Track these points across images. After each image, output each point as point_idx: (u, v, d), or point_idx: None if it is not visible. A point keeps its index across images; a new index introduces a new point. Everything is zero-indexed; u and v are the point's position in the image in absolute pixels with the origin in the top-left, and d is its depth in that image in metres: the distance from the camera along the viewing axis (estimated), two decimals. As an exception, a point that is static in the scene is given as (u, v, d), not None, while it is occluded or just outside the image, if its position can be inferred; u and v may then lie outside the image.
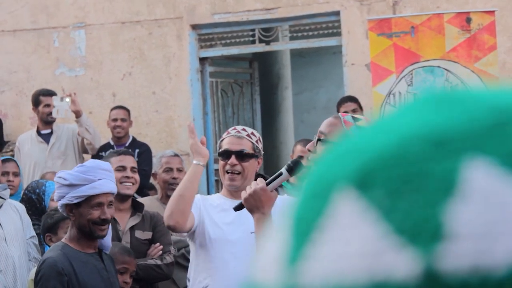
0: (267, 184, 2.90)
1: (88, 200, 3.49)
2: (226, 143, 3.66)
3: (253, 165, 3.66)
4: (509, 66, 6.80)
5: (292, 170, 2.88)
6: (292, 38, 7.54)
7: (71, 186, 3.48)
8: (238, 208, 3.04)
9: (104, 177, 3.53)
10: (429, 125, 0.51)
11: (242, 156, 3.60)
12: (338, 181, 0.51)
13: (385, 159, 0.50)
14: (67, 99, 6.66)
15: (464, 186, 0.49)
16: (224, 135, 3.75)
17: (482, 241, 0.48)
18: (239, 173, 3.60)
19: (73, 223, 3.56)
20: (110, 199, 3.58)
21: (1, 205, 4.51)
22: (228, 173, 3.61)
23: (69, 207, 3.51)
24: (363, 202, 0.50)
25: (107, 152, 5.19)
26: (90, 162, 3.67)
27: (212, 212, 3.65)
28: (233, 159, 3.59)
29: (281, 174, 2.89)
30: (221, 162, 3.66)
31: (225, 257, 3.56)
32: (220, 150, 3.67)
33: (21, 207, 4.69)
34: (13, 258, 4.40)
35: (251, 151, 3.64)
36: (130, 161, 4.72)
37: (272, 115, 9.08)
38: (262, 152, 3.75)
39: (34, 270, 4.10)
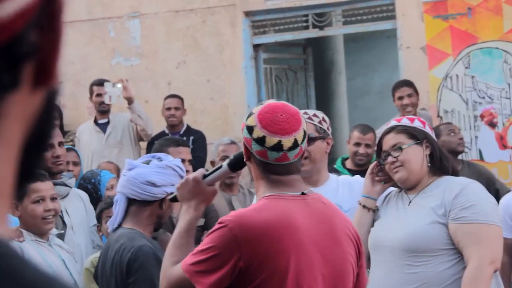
0: (205, 177, 2.60)
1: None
2: None
3: (321, 147, 3.56)
4: None
5: (233, 165, 2.56)
6: (345, 23, 7.48)
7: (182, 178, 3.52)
8: (172, 199, 2.79)
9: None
10: None
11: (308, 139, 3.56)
12: None
13: None
14: (119, 85, 6.74)
15: None
16: None
17: None
18: (306, 158, 3.55)
19: (155, 211, 3.50)
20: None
21: (68, 194, 4.58)
22: None
23: (162, 200, 3.48)
24: None
25: (161, 139, 5.14)
26: (164, 155, 3.61)
27: None
28: None
29: (220, 167, 2.60)
30: None
31: None
32: None
33: (85, 196, 4.76)
34: (80, 246, 4.48)
35: (314, 134, 3.58)
36: (188, 154, 4.71)
37: (326, 101, 9.04)
38: (330, 131, 3.61)
39: (89, 258, 4.16)
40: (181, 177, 3.48)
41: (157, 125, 7.12)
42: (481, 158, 6.16)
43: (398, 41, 7.14)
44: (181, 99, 7.14)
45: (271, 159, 2.39)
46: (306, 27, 7.57)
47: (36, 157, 0.68)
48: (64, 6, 0.65)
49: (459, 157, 5.91)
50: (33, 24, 0.65)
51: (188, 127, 7.14)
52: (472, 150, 6.16)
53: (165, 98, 7.15)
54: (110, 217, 4.06)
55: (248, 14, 7.56)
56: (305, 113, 3.68)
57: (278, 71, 7.94)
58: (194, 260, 2.40)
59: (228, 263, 2.31)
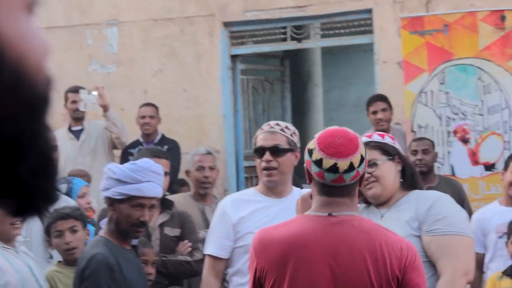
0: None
1: (131, 199, 3.41)
2: (260, 140, 3.62)
3: (290, 159, 3.62)
4: (544, 65, 6.71)
5: None
6: (323, 36, 7.52)
7: (118, 181, 3.42)
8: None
9: (153, 180, 3.46)
10: None
11: (276, 151, 3.57)
12: None
13: None
14: (94, 93, 6.72)
15: None
16: (258, 132, 3.71)
17: None
18: (275, 169, 3.56)
19: (112, 217, 3.50)
20: (153, 202, 3.49)
21: (58, 199, 4.51)
22: (264, 170, 3.58)
23: (111, 200, 3.45)
24: None
25: (139, 149, 5.17)
26: (142, 161, 3.56)
27: (251, 216, 3.61)
28: (267, 156, 3.56)
29: None
30: (257, 160, 3.63)
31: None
32: (255, 147, 3.63)
33: (73, 203, 4.70)
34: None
35: (285, 146, 3.61)
36: (166, 166, 4.66)
37: (302, 113, 9.07)
38: (299, 145, 3.68)
39: (49, 269, 4.07)
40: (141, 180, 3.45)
41: (133, 133, 7.10)
42: (453, 174, 6.21)
43: (375, 55, 7.19)
44: (156, 107, 7.13)
45: (328, 181, 2.54)
46: (284, 39, 7.60)
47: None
48: None
49: (436, 172, 5.96)
50: None
51: (163, 136, 7.13)
52: (445, 166, 6.20)
53: (140, 106, 7.14)
54: (58, 231, 4.02)
55: (226, 24, 7.57)
56: (278, 124, 3.70)
57: (255, 82, 7.96)
58: None
59: (252, 270, 2.62)
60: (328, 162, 2.52)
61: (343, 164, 2.52)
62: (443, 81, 6.32)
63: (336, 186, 2.54)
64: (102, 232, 3.61)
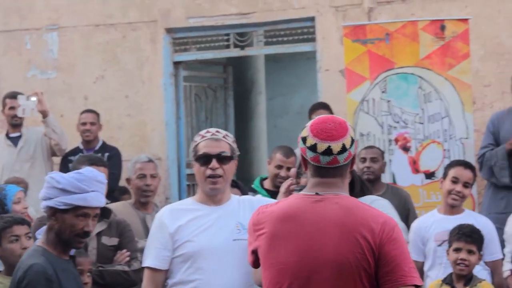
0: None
1: (76, 209, 3.33)
2: (204, 147, 3.56)
3: (232, 167, 3.61)
4: (482, 74, 6.82)
5: None
6: (267, 43, 7.52)
7: (63, 190, 3.34)
8: None
9: (97, 190, 3.39)
10: None
11: (222, 159, 3.55)
12: None
13: None
14: (33, 98, 6.60)
15: None
16: (198, 139, 3.64)
17: None
18: (220, 176, 3.53)
19: (52, 227, 3.42)
20: (97, 212, 3.45)
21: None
22: (210, 177, 3.54)
23: (53, 210, 3.37)
24: None
25: (78, 156, 5.08)
26: (87, 170, 3.51)
27: (188, 224, 3.56)
28: (214, 163, 3.52)
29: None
30: (201, 168, 3.56)
31: (209, 267, 3.49)
32: (199, 154, 3.57)
33: None
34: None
35: (230, 153, 3.59)
36: (104, 174, 4.58)
37: (245, 120, 9.05)
38: (238, 153, 3.69)
39: None
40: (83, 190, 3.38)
41: (73, 140, 6.99)
42: (394, 181, 6.25)
43: (318, 64, 7.21)
44: (97, 114, 7.03)
45: (323, 163, 2.74)
46: (228, 46, 7.58)
47: None
48: None
49: (383, 180, 6.00)
50: None
51: (103, 143, 7.04)
52: (386, 174, 6.24)
53: (81, 113, 7.04)
54: (15, 236, 3.92)
55: (169, 31, 7.51)
56: (218, 131, 3.67)
57: (197, 89, 7.91)
58: None
59: (250, 245, 2.88)
60: (322, 146, 2.72)
61: (336, 146, 2.72)
62: (385, 90, 6.36)
63: (331, 168, 2.75)
64: (39, 242, 3.53)
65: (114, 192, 6.39)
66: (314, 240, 2.71)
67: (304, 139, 2.76)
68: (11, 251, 3.94)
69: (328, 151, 2.72)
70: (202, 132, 3.66)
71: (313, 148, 2.74)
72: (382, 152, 6.00)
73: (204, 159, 3.54)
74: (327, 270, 2.68)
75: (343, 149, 2.73)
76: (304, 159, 2.80)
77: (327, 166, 2.74)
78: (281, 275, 2.74)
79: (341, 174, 2.77)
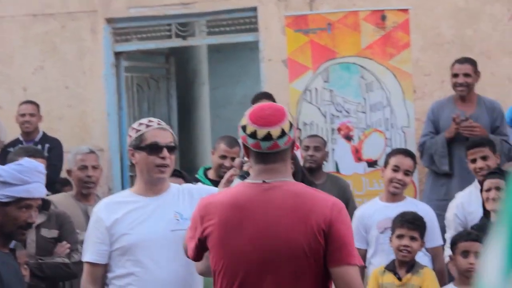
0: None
1: (18, 201, 3.27)
2: (153, 136, 3.52)
3: (174, 157, 3.61)
4: (422, 63, 6.91)
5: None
6: (209, 33, 7.48)
7: (4, 183, 3.27)
8: None
9: (39, 181, 3.35)
10: None
11: (171, 149, 3.54)
12: None
13: None
14: None
15: None
16: (142, 128, 3.57)
17: None
18: (167, 166, 3.51)
19: None
20: (39, 202, 3.41)
21: None
22: (159, 166, 3.50)
23: None
24: None
25: (16, 148, 4.99)
26: (27, 161, 3.45)
27: (125, 217, 3.53)
28: (165, 152, 3.49)
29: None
30: (149, 157, 3.50)
31: (147, 259, 3.46)
32: (148, 143, 3.52)
33: None
34: None
35: (174, 144, 3.59)
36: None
37: (188, 111, 9.01)
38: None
39: None
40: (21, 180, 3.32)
41: (13, 131, 6.86)
42: (337, 170, 6.30)
43: (260, 54, 7.21)
44: (37, 105, 6.92)
45: (264, 148, 2.80)
46: (169, 36, 7.52)
47: None
48: None
49: (325, 169, 6.03)
50: None
51: (44, 134, 6.93)
52: (329, 163, 6.28)
53: (20, 104, 6.91)
54: None
55: (110, 21, 7.42)
56: (159, 122, 3.64)
57: (139, 79, 7.84)
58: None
59: (195, 236, 2.91)
60: (261, 132, 2.79)
61: (275, 131, 2.79)
62: (327, 79, 6.40)
63: (272, 153, 2.80)
64: None
65: (55, 184, 6.30)
66: (267, 228, 2.76)
67: (244, 127, 2.82)
68: None
69: (268, 137, 2.78)
70: (144, 121, 3.61)
71: (253, 135, 2.80)
72: (325, 142, 6.03)
73: (154, 148, 3.51)
74: (281, 257, 2.74)
75: (283, 133, 2.79)
76: (245, 147, 2.85)
77: (268, 151, 2.79)
78: (236, 264, 2.78)
79: (282, 158, 2.82)
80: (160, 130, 3.55)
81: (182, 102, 8.58)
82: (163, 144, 3.50)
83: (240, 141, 3.06)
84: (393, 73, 6.32)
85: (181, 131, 8.50)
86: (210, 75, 9.92)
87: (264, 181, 2.81)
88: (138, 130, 3.58)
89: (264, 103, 2.92)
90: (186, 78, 8.99)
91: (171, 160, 3.52)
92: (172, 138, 3.60)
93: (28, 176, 3.35)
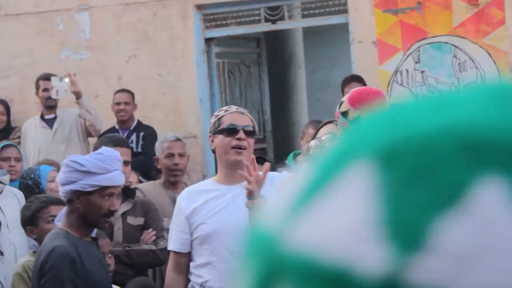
0: None
1: (102, 190, 3.36)
2: (230, 119, 3.54)
3: (253, 143, 3.60)
4: (520, 40, 6.62)
5: None
6: (299, 17, 7.40)
7: (87, 173, 3.35)
8: None
9: (119, 168, 3.43)
10: (473, 123, 0.45)
11: (248, 132, 3.53)
12: (362, 149, 0.47)
13: (416, 142, 0.46)
14: (66, 79, 6.62)
15: (468, 202, 0.44)
16: (220, 113, 3.63)
17: (458, 266, 0.43)
18: (245, 149, 3.50)
19: (75, 209, 3.42)
20: (119, 190, 3.49)
21: (1, 191, 4.47)
22: (236, 147, 3.50)
23: (77, 193, 3.37)
24: (375, 179, 0.45)
25: (102, 137, 5.08)
26: (106, 150, 3.52)
27: (203, 206, 3.54)
28: (241, 134, 3.50)
29: None
30: (225, 138, 3.52)
31: (223, 249, 3.46)
32: (224, 126, 3.52)
33: (20, 194, 4.67)
34: (14, 244, 4.37)
35: (253, 129, 3.59)
36: (126, 155, 4.56)
37: (284, 95, 8.96)
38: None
39: (20, 262, 4.00)
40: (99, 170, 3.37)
41: (108, 120, 7.00)
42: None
43: (350, 36, 7.08)
44: (132, 93, 7.03)
45: None
46: (259, 21, 7.48)
47: None
48: None
49: None
50: None
51: (139, 122, 7.03)
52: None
53: (115, 93, 7.04)
54: (52, 216, 3.94)
55: (199, 7, 7.45)
56: (237, 108, 3.66)
57: (230, 65, 7.85)
58: None
59: None
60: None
61: None
62: (418, 60, 6.23)
63: None
64: (60, 225, 3.54)
65: (151, 172, 6.38)
66: None
67: (345, 114, 2.84)
68: (49, 231, 3.96)
69: None
70: (224, 108, 3.67)
71: (357, 121, 2.77)
72: None
73: (231, 130, 3.51)
74: None
75: None
76: None
77: None
78: None
79: None
80: (238, 114, 3.58)
81: (278, 86, 8.53)
82: (240, 126, 3.50)
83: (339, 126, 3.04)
84: (488, 51, 6.09)
85: (277, 116, 8.47)
86: (307, 59, 9.83)
87: None
88: (217, 116, 3.63)
89: (361, 88, 2.97)
90: (282, 62, 8.95)
91: (248, 143, 3.51)
92: (251, 122, 3.61)
93: (109, 164, 3.40)
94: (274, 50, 8.56)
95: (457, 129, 0.45)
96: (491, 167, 0.44)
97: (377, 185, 0.45)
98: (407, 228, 0.44)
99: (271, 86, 8.42)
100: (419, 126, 0.46)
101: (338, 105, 2.88)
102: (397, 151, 0.46)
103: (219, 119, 3.60)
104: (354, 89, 2.93)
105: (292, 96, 9.17)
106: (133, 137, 6.86)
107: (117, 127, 6.98)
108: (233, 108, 3.66)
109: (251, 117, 3.68)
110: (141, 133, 6.90)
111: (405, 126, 0.47)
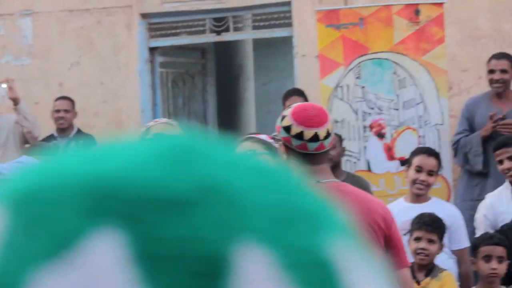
0: None
1: None
2: (159, 130, 3.57)
3: None
4: (459, 59, 6.69)
5: None
6: (243, 29, 7.40)
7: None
8: None
9: None
10: (111, 175, 0.42)
11: None
12: (4, 195, 0.44)
13: (44, 190, 0.43)
14: (3, 85, 6.52)
15: (75, 253, 0.40)
16: (150, 123, 3.64)
17: None
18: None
19: None
20: None
21: None
22: None
23: None
24: (2, 226, 0.42)
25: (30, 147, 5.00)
26: (26, 158, 3.49)
27: None
28: None
29: None
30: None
31: None
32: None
33: None
34: None
35: None
36: None
37: (233, 107, 8.94)
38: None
39: None
40: None
41: (49, 127, 6.91)
42: (369, 169, 6.14)
43: (294, 49, 7.09)
44: (72, 101, 6.94)
45: (311, 149, 2.82)
46: (204, 32, 7.46)
47: None
48: None
49: (344, 168, 5.88)
50: None
51: (78, 130, 6.95)
52: (361, 161, 6.13)
53: (55, 100, 6.95)
54: None
55: (144, 16, 7.40)
56: (167, 120, 3.66)
57: (174, 75, 7.80)
58: None
59: None
60: (309, 133, 2.82)
61: (322, 132, 2.83)
62: (359, 75, 6.24)
63: (318, 154, 2.83)
64: None
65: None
66: None
67: (287, 128, 2.83)
68: None
69: (315, 138, 2.82)
70: (155, 119, 3.67)
71: (299, 136, 2.81)
72: (340, 138, 5.83)
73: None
74: None
75: (328, 134, 2.85)
76: (287, 148, 2.85)
77: (315, 152, 2.82)
78: None
79: (326, 159, 2.90)
80: (167, 126, 3.57)
81: (226, 98, 8.50)
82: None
83: (262, 136, 3.04)
84: (427, 69, 6.12)
85: (223, 127, 8.44)
86: (258, 71, 9.82)
87: (318, 181, 2.80)
88: (146, 126, 3.64)
89: (305, 104, 2.95)
90: (230, 74, 8.92)
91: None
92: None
93: None
94: (223, 61, 8.53)
95: (89, 179, 0.42)
96: (110, 219, 0.40)
97: (1, 232, 0.42)
98: (6, 278, 0.40)
99: (219, 98, 8.39)
100: (58, 174, 0.44)
101: (280, 119, 2.88)
102: (25, 199, 0.43)
103: (147, 129, 3.60)
104: (297, 104, 2.92)
105: (240, 108, 9.16)
106: (72, 145, 6.78)
107: (56, 134, 6.90)
108: (163, 120, 3.71)
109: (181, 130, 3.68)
110: (80, 141, 6.82)
111: (47, 174, 0.45)
